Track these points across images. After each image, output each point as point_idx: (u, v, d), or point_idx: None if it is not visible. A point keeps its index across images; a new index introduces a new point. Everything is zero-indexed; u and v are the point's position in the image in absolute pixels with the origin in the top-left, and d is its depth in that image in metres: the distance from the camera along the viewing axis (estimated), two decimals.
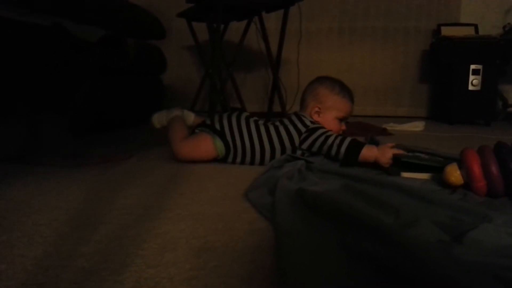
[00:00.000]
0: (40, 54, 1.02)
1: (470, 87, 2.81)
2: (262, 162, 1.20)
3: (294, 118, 1.23)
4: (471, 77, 2.80)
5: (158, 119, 1.36)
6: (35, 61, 1.04)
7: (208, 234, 0.66)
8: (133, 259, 0.57)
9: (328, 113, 1.23)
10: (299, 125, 1.19)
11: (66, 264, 0.55)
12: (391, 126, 2.39)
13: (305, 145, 1.17)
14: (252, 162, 1.21)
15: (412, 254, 0.50)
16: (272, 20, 2.97)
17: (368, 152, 1.10)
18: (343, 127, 1.26)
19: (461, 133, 2.30)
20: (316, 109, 1.22)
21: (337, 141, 1.13)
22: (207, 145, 1.21)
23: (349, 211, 0.67)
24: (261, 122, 1.25)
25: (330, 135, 1.15)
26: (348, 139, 1.14)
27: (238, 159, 1.21)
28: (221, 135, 1.20)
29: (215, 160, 1.24)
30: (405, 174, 1.06)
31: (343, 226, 0.64)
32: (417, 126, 2.37)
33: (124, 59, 1.34)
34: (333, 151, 1.13)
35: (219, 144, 1.20)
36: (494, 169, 0.86)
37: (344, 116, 1.24)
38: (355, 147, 1.12)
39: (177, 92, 3.45)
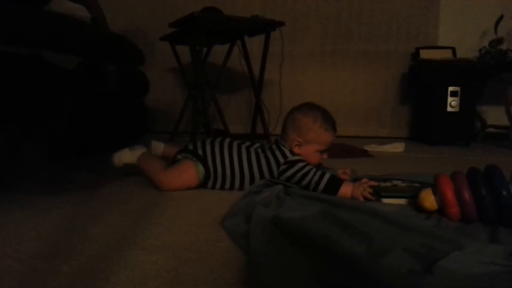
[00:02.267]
0: (17, 81, 1.02)
1: (449, 109, 2.87)
2: (241, 187, 1.19)
3: (274, 147, 1.21)
4: (450, 99, 2.87)
5: (119, 157, 1.32)
6: (13, 88, 1.04)
7: (180, 265, 0.66)
8: None
9: (309, 147, 1.20)
10: (279, 157, 1.18)
11: None
12: (372, 148, 2.42)
13: (283, 177, 1.17)
14: (231, 187, 1.20)
15: (381, 286, 0.50)
16: (256, 43, 3.02)
17: (346, 190, 1.11)
18: (325, 156, 1.24)
19: (441, 154, 2.34)
20: (296, 142, 1.19)
21: (316, 177, 1.12)
22: (191, 172, 1.19)
23: (322, 242, 0.67)
24: (244, 146, 1.24)
25: (308, 172, 1.14)
26: (326, 177, 1.12)
27: (218, 185, 1.21)
28: (203, 160, 1.20)
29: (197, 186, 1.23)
30: (385, 200, 1.07)
31: (316, 256, 0.64)
32: (397, 147, 2.41)
33: (103, 84, 1.34)
34: (311, 188, 1.13)
35: (201, 169, 1.20)
36: (467, 195, 0.88)
37: (325, 148, 1.22)
38: (333, 186, 1.12)
39: (161, 113, 3.44)
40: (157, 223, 0.89)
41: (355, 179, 1.27)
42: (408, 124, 3.48)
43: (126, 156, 1.32)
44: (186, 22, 2.16)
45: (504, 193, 0.84)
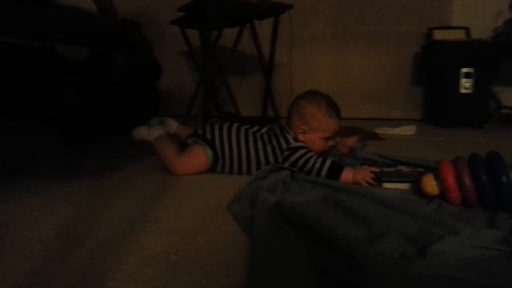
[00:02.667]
0: (29, 71, 1.06)
1: (462, 90, 2.84)
2: (249, 172, 1.23)
3: (279, 134, 1.24)
4: (463, 80, 2.83)
5: (138, 133, 1.37)
6: (24, 77, 1.08)
7: (187, 248, 0.70)
8: (114, 274, 0.61)
9: (314, 134, 1.22)
10: (283, 143, 1.21)
11: (51, 280, 0.59)
12: (383, 130, 2.42)
13: (288, 163, 1.20)
14: (239, 172, 1.24)
15: (369, 272, 0.54)
16: (266, 26, 3.00)
17: (346, 176, 1.14)
18: (330, 143, 1.26)
19: (453, 137, 2.33)
20: (301, 130, 1.21)
21: (317, 165, 1.15)
22: (200, 158, 1.24)
23: (320, 227, 0.70)
24: (251, 131, 1.27)
25: (309, 159, 1.16)
26: (327, 163, 1.15)
27: (226, 169, 1.25)
28: (212, 144, 1.24)
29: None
30: (387, 185, 1.10)
31: (314, 242, 0.68)
32: (409, 130, 2.41)
33: (112, 73, 1.38)
34: (314, 174, 1.16)
35: (210, 154, 1.24)
36: (467, 180, 0.90)
37: (330, 135, 1.24)
38: (335, 172, 1.15)
39: (173, 97, 3.48)
40: (167, 207, 0.93)
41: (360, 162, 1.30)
42: (421, 105, 3.45)
43: (144, 133, 1.37)
44: (194, 7, 2.17)
45: (504, 179, 0.85)
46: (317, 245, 0.67)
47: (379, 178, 1.12)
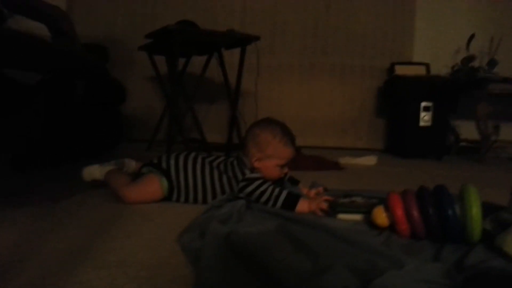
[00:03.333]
0: None
1: (421, 123, 2.95)
2: (205, 201, 1.21)
3: (235, 163, 1.23)
4: (422, 114, 2.95)
5: (89, 172, 1.35)
6: None
7: (127, 283, 0.67)
8: None
9: (269, 161, 1.21)
10: (238, 174, 1.21)
11: None
12: (346, 160, 2.46)
13: (243, 194, 1.19)
14: (195, 201, 1.23)
15: None
16: (234, 54, 3.05)
17: (302, 207, 1.15)
18: (285, 171, 1.26)
19: (412, 168, 2.39)
20: (256, 157, 1.21)
21: (273, 196, 1.15)
22: (154, 186, 1.22)
23: (267, 260, 0.69)
24: (208, 161, 1.26)
25: (265, 190, 1.16)
26: (283, 195, 1.16)
27: (182, 198, 1.23)
28: (167, 174, 1.22)
29: (162, 198, 1.25)
30: (341, 216, 1.11)
31: (259, 276, 0.67)
32: (370, 160, 2.46)
33: (70, 97, 1.35)
34: (270, 205, 1.16)
35: (165, 183, 1.22)
36: (415, 213, 0.91)
37: (285, 162, 1.24)
38: (290, 203, 1.15)
39: (140, 121, 3.44)
40: (114, 237, 0.90)
41: (311, 187, 1.31)
42: (384, 136, 3.55)
43: (95, 171, 1.35)
44: (161, 34, 2.18)
45: (449, 212, 0.88)
46: (263, 280, 0.66)
47: (333, 209, 1.13)
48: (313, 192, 1.29)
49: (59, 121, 1.46)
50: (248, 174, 1.19)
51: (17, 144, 1.18)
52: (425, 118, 2.93)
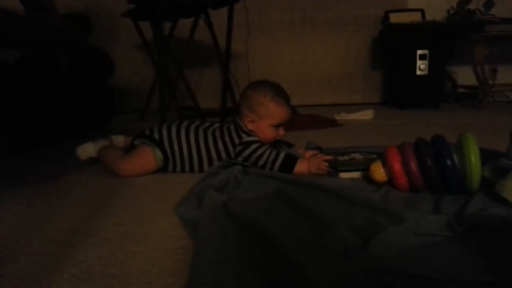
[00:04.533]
0: None
1: (418, 72, 2.90)
2: (201, 170, 1.20)
3: (232, 128, 1.21)
4: (419, 62, 2.88)
5: (83, 150, 1.34)
6: None
7: (127, 259, 0.67)
8: None
9: (262, 122, 1.19)
10: (235, 138, 1.19)
11: None
12: (342, 116, 2.44)
13: (240, 158, 1.18)
14: (191, 170, 1.21)
15: (306, 273, 0.52)
16: (223, 14, 2.95)
17: (301, 168, 1.14)
18: (281, 132, 1.23)
19: (409, 119, 2.37)
20: (249, 118, 1.19)
21: (271, 158, 1.14)
22: (148, 158, 1.20)
23: (265, 227, 0.68)
24: (202, 128, 1.24)
25: (262, 154, 1.15)
26: (281, 157, 1.14)
27: (178, 168, 1.21)
28: (160, 145, 1.20)
29: (158, 170, 1.24)
30: (342, 175, 1.10)
31: (258, 243, 0.66)
32: (367, 114, 2.43)
33: (53, 73, 1.30)
34: (268, 168, 1.15)
35: (159, 154, 1.20)
36: (413, 166, 0.90)
37: (279, 122, 1.21)
38: (288, 164, 1.14)
39: (131, 92, 3.39)
40: (111, 213, 0.89)
41: (314, 148, 1.30)
42: (381, 89, 3.51)
43: (89, 149, 1.33)
44: None
45: (448, 162, 0.86)
46: (261, 248, 0.65)
47: (334, 167, 1.12)
48: (309, 153, 1.27)
49: (46, 99, 1.42)
50: (245, 138, 1.17)
51: (8, 127, 1.15)
52: (421, 66, 2.88)
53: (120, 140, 1.39)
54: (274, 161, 1.13)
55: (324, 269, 0.54)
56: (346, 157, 1.19)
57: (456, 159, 0.87)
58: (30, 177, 1.25)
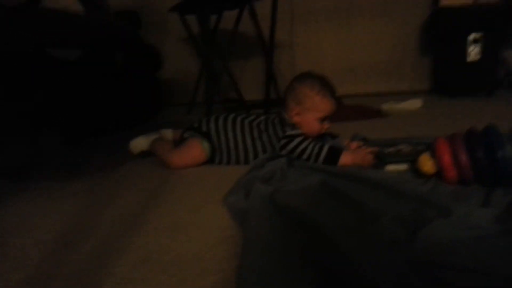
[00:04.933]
0: (25, 77, 1.08)
1: (469, 58, 2.76)
2: (247, 162, 1.23)
3: (276, 121, 1.23)
4: (471, 47, 2.75)
5: (136, 144, 1.40)
6: (24, 82, 1.10)
7: (181, 245, 0.71)
8: (107, 277, 0.62)
9: (308, 115, 1.20)
10: (279, 131, 1.21)
11: (45, 287, 0.61)
12: (389, 106, 2.38)
13: (284, 152, 1.19)
14: (237, 162, 1.25)
15: (354, 263, 0.54)
16: (266, 5, 2.96)
17: (345, 159, 1.13)
18: (326, 125, 1.23)
19: (459, 108, 2.28)
20: (295, 111, 1.21)
21: (315, 152, 1.15)
22: (197, 150, 1.25)
23: (312, 217, 0.70)
24: (247, 120, 1.27)
25: (306, 147, 1.16)
26: (325, 150, 1.14)
27: (224, 160, 1.26)
28: (208, 137, 1.25)
29: (205, 162, 1.29)
30: (389, 167, 1.08)
31: (306, 233, 0.68)
32: (415, 103, 2.36)
33: (109, 69, 1.39)
34: (312, 161, 1.16)
35: (207, 146, 1.25)
36: (463, 158, 0.88)
37: (325, 115, 1.21)
38: (333, 157, 1.14)
39: (179, 85, 3.49)
40: (164, 202, 0.95)
41: (360, 140, 1.29)
42: (430, 76, 3.37)
43: (141, 143, 1.41)
44: None
45: (500, 154, 0.84)
46: (309, 238, 0.67)
47: (380, 159, 1.11)
48: (354, 144, 1.27)
49: (102, 94, 1.51)
50: (289, 131, 1.19)
51: (65, 120, 1.24)
52: (473, 52, 2.74)
53: (168, 133, 1.46)
54: (318, 154, 1.14)
55: (370, 259, 0.55)
56: (392, 149, 1.17)
57: (509, 150, 0.84)
58: (88, 168, 1.34)
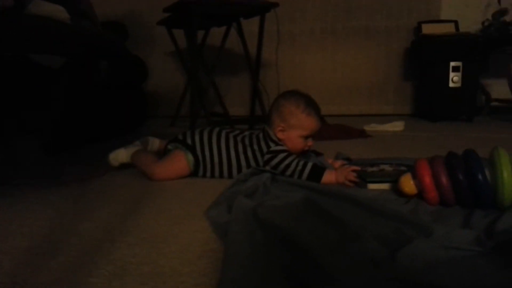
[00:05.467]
0: (5, 82, 1.06)
1: (451, 84, 2.85)
2: (230, 176, 1.23)
3: (260, 136, 1.24)
4: (452, 74, 2.84)
5: (115, 157, 1.37)
6: (3, 88, 1.08)
7: (159, 258, 0.70)
8: (82, 287, 0.60)
9: (292, 132, 1.21)
10: (263, 146, 1.21)
11: None
12: (372, 127, 2.42)
13: (268, 167, 1.20)
14: (221, 176, 1.24)
15: (334, 280, 0.54)
16: (254, 23, 3.00)
17: (328, 178, 1.14)
18: (309, 143, 1.25)
19: (441, 131, 2.33)
20: (280, 128, 1.21)
21: (299, 168, 1.16)
22: (181, 162, 1.24)
23: (293, 233, 0.70)
24: (232, 135, 1.27)
25: (290, 163, 1.16)
26: (308, 167, 1.15)
27: (208, 173, 1.25)
28: (192, 149, 1.24)
29: (188, 174, 1.27)
30: (371, 186, 1.10)
31: (287, 248, 0.67)
32: (397, 126, 2.41)
33: (93, 78, 1.37)
34: (295, 177, 1.16)
35: (191, 158, 1.24)
36: (444, 180, 0.90)
37: (309, 133, 1.23)
38: (316, 175, 1.15)
39: (163, 97, 3.48)
40: (145, 214, 0.93)
41: (343, 159, 1.30)
42: (412, 100, 3.46)
43: (121, 155, 1.38)
44: (179, 7, 2.16)
45: (480, 177, 0.85)
46: (290, 253, 0.67)
47: (362, 178, 1.12)
48: (338, 163, 1.28)
49: (85, 103, 1.49)
50: (273, 147, 1.19)
51: (46, 128, 1.22)
52: (454, 78, 2.83)
53: (155, 142, 1.44)
54: (301, 171, 1.15)
55: (352, 277, 0.55)
56: (375, 168, 1.19)
57: (488, 174, 0.86)
58: (67, 178, 1.31)
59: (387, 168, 1.19)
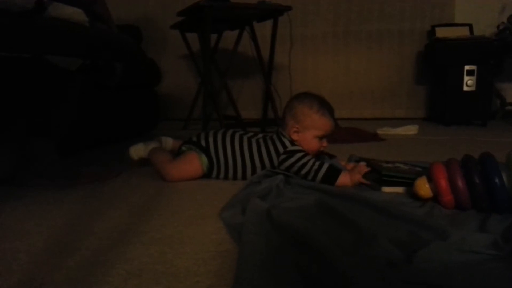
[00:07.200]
0: (22, 83, 1.09)
1: (465, 88, 2.82)
2: (244, 177, 1.23)
3: (275, 137, 1.25)
4: (466, 78, 2.81)
5: (135, 151, 1.41)
6: (18, 89, 1.11)
7: (175, 258, 0.70)
8: (100, 285, 0.61)
9: (307, 133, 1.21)
10: (279, 146, 1.21)
11: None
12: (384, 131, 2.41)
13: (283, 167, 1.20)
14: (234, 177, 1.25)
15: (351, 283, 0.54)
16: (266, 26, 3.01)
17: (344, 180, 1.14)
18: (324, 144, 1.25)
19: (455, 136, 2.31)
20: (295, 129, 1.21)
21: (314, 169, 1.16)
22: (195, 164, 1.25)
23: (308, 235, 0.70)
24: (246, 136, 1.28)
25: (306, 163, 1.17)
26: (324, 168, 1.15)
27: (222, 175, 1.25)
28: (206, 151, 1.24)
29: (202, 176, 1.28)
30: (386, 189, 1.09)
31: (302, 250, 0.67)
32: (411, 129, 2.39)
33: (108, 80, 1.40)
34: (310, 178, 1.17)
35: (205, 160, 1.25)
36: (460, 183, 0.89)
37: (324, 134, 1.23)
38: (331, 176, 1.15)
39: (175, 100, 3.50)
40: (160, 215, 0.94)
41: (356, 161, 1.29)
42: (425, 104, 3.43)
43: (140, 150, 1.40)
44: (193, 11, 2.18)
45: (496, 181, 0.85)
46: (305, 254, 0.67)
47: (378, 172, 1.11)
48: (351, 165, 1.28)
49: (100, 105, 1.51)
50: (290, 147, 1.20)
51: (61, 130, 1.24)
52: (468, 82, 2.80)
53: (169, 142, 1.46)
54: (317, 170, 1.15)
55: (368, 279, 0.55)
56: (390, 165, 1.18)
57: (504, 178, 0.85)
58: (82, 179, 1.32)
59: (402, 166, 1.18)
